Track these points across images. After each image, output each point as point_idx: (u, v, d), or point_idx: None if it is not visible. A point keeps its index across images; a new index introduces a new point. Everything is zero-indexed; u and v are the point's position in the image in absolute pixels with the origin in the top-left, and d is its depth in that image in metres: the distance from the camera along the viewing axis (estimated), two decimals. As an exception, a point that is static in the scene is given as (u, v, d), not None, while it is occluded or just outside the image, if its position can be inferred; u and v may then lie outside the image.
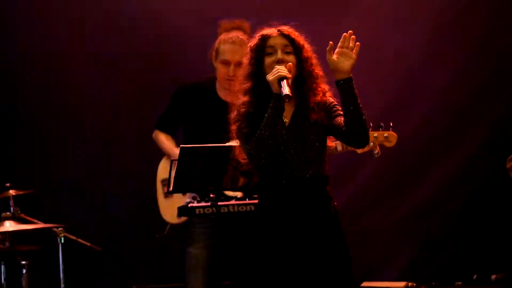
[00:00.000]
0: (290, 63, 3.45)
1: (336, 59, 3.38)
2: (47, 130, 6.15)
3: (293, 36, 3.52)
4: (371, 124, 4.43)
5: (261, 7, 5.98)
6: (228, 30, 4.89)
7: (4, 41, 6.14)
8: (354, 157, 5.62)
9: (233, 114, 3.58)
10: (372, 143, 4.47)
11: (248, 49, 3.60)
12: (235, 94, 4.18)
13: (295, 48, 3.51)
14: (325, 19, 5.88)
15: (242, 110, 3.53)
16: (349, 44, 3.40)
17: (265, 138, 3.39)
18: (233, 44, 4.82)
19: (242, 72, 3.63)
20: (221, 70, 4.85)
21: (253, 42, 3.57)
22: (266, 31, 3.55)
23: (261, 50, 3.52)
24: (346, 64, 3.39)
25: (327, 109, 3.52)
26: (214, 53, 4.90)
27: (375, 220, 6.01)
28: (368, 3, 6.04)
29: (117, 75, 6.15)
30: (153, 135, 5.05)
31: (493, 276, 5.58)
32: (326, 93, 3.56)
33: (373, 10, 6.02)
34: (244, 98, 3.55)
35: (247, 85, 3.57)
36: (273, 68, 3.43)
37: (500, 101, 5.92)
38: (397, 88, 6.00)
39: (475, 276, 5.69)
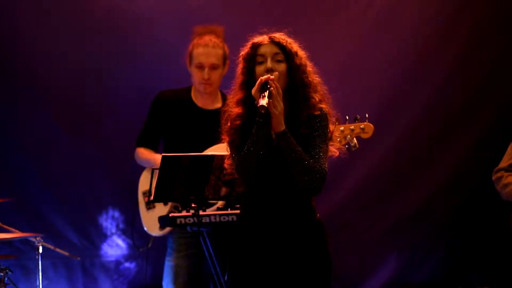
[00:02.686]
0: (276, 73, 3.37)
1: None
2: (26, 138, 6.04)
3: (284, 43, 3.42)
4: (347, 117, 4.42)
5: (247, 12, 5.97)
6: (201, 34, 4.88)
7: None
8: (338, 166, 5.60)
9: (226, 126, 3.49)
10: (348, 136, 4.46)
11: (240, 58, 3.51)
12: (211, 97, 4.13)
13: (286, 56, 3.42)
14: (315, 22, 5.87)
15: (235, 122, 3.45)
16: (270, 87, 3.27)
17: (252, 156, 3.33)
18: (206, 47, 4.83)
19: (235, 82, 3.54)
20: (196, 75, 4.86)
21: (245, 50, 3.49)
22: (257, 39, 3.47)
23: (252, 59, 3.45)
24: (274, 119, 3.28)
25: (310, 130, 3.41)
26: (188, 58, 4.91)
27: (359, 231, 5.97)
28: (354, 9, 6.01)
29: (103, 83, 6.07)
30: (135, 154, 5.00)
31: (478, 289, 5.57)
32: (319, 105, 3.46)
33: (364, 11, 6.00)
34: (236, 110, 3.46)
35: (239, 95, 3.48)
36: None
37: (489, 108, 5.92)
38: (388, 91, 5.97)
39: (459, 289, 5.68)
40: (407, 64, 5.96)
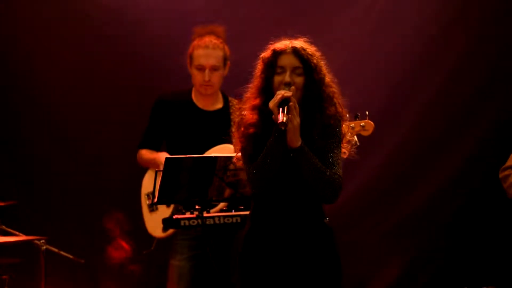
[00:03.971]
0: (293, 87, 3.36)
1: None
2: (30, 140, 6.04)
3: (306, 57, 3.42)
4: (347, 115, 4.40)
5: (248, 13, 5.96)
6: (201, 35, 4.87)
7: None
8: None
9: (240, 131, 3.49)
10: (349, 134, 4.45)
11: (260, 60, 3.51)
12: (212, 99, 4.12)
13: (306, 70, 3.42)
14: (316, 23, 5.85)
15: (248, 130, 3.45)
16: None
17: (266, 169, 3.34)
18: (206, 49, 4.82)
19: (252, 84, 3.53)
20: (196, 76, 4.84)
21: (266, 54, 3.48)
22: (279, 45, 3.46)
23: (271, 67, 3.44)
24: (289, 135, 3.28)
25: (325, 140, 3.42)
26: (188, 60, 4.90)
27: (362, 232, 5.95)
28: (356, 9, 5.99)
29: (103, 84, 6.07)
30: (137, 156, 4.99)
31: (484, 289, 5.54)
32: (335, 116, 3.47)
33: (365, 12, 5.98)
34: (250, 116, 3.47)
35: (256, 101, 3.48)
36: (280, 89, 3.37)
37: (491, 108, 5.88)
38: (389, 91, 5.94)
39: (464, 289, 5.64)
40: (409, 64, 5.93)
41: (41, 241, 5.03)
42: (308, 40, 3.55)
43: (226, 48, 4.90)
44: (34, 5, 6.05)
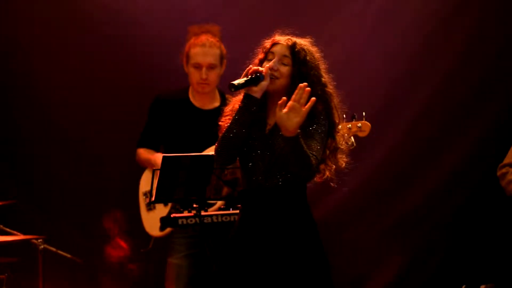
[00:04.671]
0: (267, 66, 3.49)
1: (284, 114, 3.26)
2: (28, 140, 6.04)
3: (297, 49, 3.54)
4: (344, 116, 4.41)
5: (246, 11, 5.95)
6: (197, 34, 4.87)
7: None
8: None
9: (228, 108, 3.61)
10: (346, 134, 4.46)
11: (260, 49, 3.64)
12: (209, 97, 4.13)
13: (294, 61, 3.53)
14: (314, 21, 5.85)
15: (236, 106, 3.55)
16: (301, 97, 3.27)
17: (230, 136, 3.46)
18: (203, 47, 4.82)
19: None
20: (193, 75, 4.84)
21: (264, 44, 3.64)
22: (278, 37, 3.61)
23: (266, 54, 3.58)
24: (293, 122, 3.26)
25: (308, 123, 3.45)
26: (185, 58, 4.89)
27: (361, 231, 5.94)
28: (353, 8, 5.98)
29: (101, 83, 6.06)
30: (136, 155, 4.99)
31: (483, 286, 5.52)
32: (319, 113, 3.52)
33: (363, 10, 5.97)
34: (241, 95, 3.55)
35: None
36: None
37: (490, 107, 5.87)
38: (388, 90, 5.93)
39: (463, 287, 5.62)
40: (407, 63, 5.92)
41: (39, 240, 5.04)
42: (312, 40, 3.67)
43: (222, 46, 4.90)
44: (34, 5, 6.05)
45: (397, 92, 5.93)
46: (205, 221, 4.36)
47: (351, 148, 4.46)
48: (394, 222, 5.94)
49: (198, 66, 4.82)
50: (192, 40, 4.88)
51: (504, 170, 4.61)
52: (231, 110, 3.58)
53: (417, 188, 5.92)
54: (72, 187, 6.02)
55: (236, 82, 3.44)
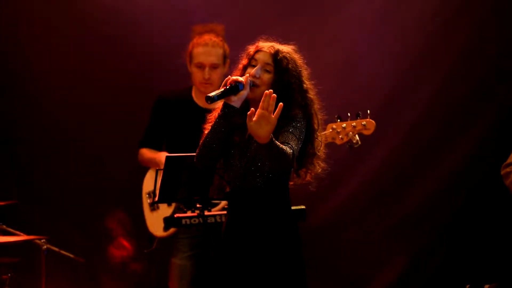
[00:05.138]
0: (247, 75, 3.54)
1: (254, 124, 3.28)
2: (29, 140, 6.04)
3: (279, 58, 3.58)
4: (349, 114, 4.42)
5: (246, 11, 5.95)
6: (201, 33, 4.86)
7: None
8: (342, 165, 5.56)
9: (212, 115, 3.68)
10: (350, 133, 4.45)
11: (244, 54, 3.69)
12: None
13: (277, 69, 3.58)
14: (315, 21, 5.86)
15: (217, 113, 3.62)
16: (269, 104, 3.27)
17: (207, 143, 3.57)
18: (206, 47, 4.82)
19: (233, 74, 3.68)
20: (196, 74, 4.84)
21: (248, 49, 3.68)
22: (262, 44, 3.65)
23: (249, 60, 3.64)
24: (264, 130, 3.28)
25: (285, 124, 3.51)
26: (188, 58, 4.89)
27: (363, 231, 5.93)
28: (356, 7, 5.97)
29: (103, 83, 6.06)
30: (138, 155, 4.99)
31: (487, 286, 5.51)
32: (297, 118, 3.57)
33: (365, 9, 5.96)
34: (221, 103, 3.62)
35: None
36: None
37: (491, 107, 5.85)
38: (389, 89, 5.92)
39: (467, 286, 5.61)
40: (409, 62, 5.91)
41: (42, 241, 5.03)
42: (296, 48, 3.70)
43: (226, 46, 4.89)
44: (34, 5, 6.05)
45: (398, 92, 5.92)
46: (209, 221, 4.35)
47: (356, 146, 4.46)
48: (396, 222, 5.92)
49: (200, 66, 4.81)
50: (195, 40, 4.88)
51: (508, 169, 4.59)
52: (214, 117, 3.63)
53: (418, 188, 5.91)
54: (74, 187, 6.02)
55: (212, 94, 3.49)
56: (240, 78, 3.53)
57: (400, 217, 5.93)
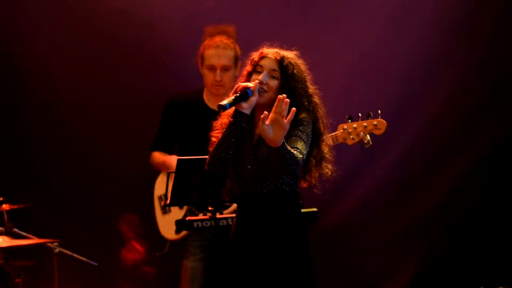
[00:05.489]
0: (256, 81, 3.57)
1: (267, 128, 3.34)
2: (42, 144, 6.05)
3: (285, 63, 3.62)
4: (360, 114, 4.40)
5: (259, 12, 5.94)
6: (212, 35, 4.85)
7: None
8: (356, 166, 5.54)
9: (217, 123, 3.70)
10: (362, 133, 4.43)
11: (248, 62, 3.72)
12: (223, 100, 4.14)
13: (282, 75, 3.61)
14: (329, 21, 5.86)
15: (225, 120, 3.65)
16: (282, 109, 3.33)
17: (219, 150, 3.58)
18: (217, 49, 4.81)
19: (235, 83, 3.69)
20: (207, 76, 4.83)
21: (253, 56, 3.71)
22: (266, 50, 3.68)
23: (254, 66, 3.67)
24: (276, 134, 3.35)
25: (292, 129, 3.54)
26: (199, 60, 4.88)
27: (377, 232, 5.91)
28: (368, 6, 5.95)
29: (116, 84, 6.07)
30: (150, 159, 4.98)
31: (500, 288, 5.49)
32: (302, 123, 3.60)
33: (379, 9, 5.94)
34: (231, 109, 3.63)
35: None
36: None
37: (507, 107, 5.82)
38: (403, 89, 5.90)
39: (481, 288, 5.60)
40: (423, 62, 5.88)
41: (54, 244, 5.03)
42: (298, 53, 3.72)
43: (237, 47, 4.88)
44: (50, 7, 6.07)
45: (410, 93, 5.89)
46: (220, 224, 4.34)
47: (367, 146, 4.44)
48: (409, 223, 5.90)
49: (212, 68, 4.81)
50: (206, 42, 4.87)
51: None
52: (221, 124, 3.66)
53: (431, 189, 5.88)
54: (86, 190, 6.03)
55: (224, 102, 3.50)
56: (250, 84, 3.55)
57: (413, 218, 5.91)
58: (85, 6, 6.07)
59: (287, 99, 3.33)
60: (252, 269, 3.56)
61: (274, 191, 3.58)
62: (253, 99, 3.55)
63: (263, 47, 3.71)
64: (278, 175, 3.56)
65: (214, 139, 3.66)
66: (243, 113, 3.55)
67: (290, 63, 3.63)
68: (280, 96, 3.34)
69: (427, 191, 5.90)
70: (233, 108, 3.58)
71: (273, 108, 3.34)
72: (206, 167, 3.65)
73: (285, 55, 3.65)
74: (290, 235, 3.58)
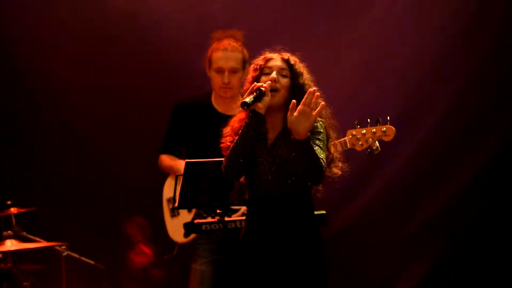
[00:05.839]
0: (268, 82, 3.59)
1: (295, 119, 3.41)
2: (49, 147, 6.06)
3: (292, 62, 3.68)
4: (369, 120, 4.39)
5: (267, 15, 5.94)
6: (220, 39, 4.85)
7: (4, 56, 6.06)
8: (365, 168, 5.53)
9: (227, 129, 3.72)
10: (370, 139, 4.42)
11: (251, 66, 3.76)
12: (232, 102, 4.17)
13: (292, 73, 3.67)
14: (338, 23, 5.85)
15: (236, 125, 3.67)
16: (311, 102, 3.40)
17: (237, 153, 3.56)
18: (225, 51, 4.80)
19: (242, 89, 3.76)
20: (215, 79, 4.82)
21: (255, 62, 3.74)
22: (270, 54, 3.73)
23: (260, 70, 3.70)
24: (304, 126, 3.41)
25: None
26: (207, 64, 4.87)
27: (387, 233, 5.90)
28: (378, 10, 5.94)
29: (123, 86, 6.07)
30: (158, 162, 4.98)
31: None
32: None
33: (387, 11, 5.93)
34: (239, 114, 3.69)
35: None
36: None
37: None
38: (412, 91, 5.89)
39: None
40: (432, 64, 5.87)
41: (62, 247, 5.03)
42: (300, 56, 3.76)
43: (245, 51, 4.87)
44: (55, 8, 6.07)
45: (422, 93, 5.89)
46: (229, 226, 4.32)
47: (376, 153, 4.43)
48: (418, 225, 5.89)
49: (220, 71, 4.79)
50: (214, 45, 4.86)
51: None
52: (232, 130, 3.69)
53: (442, 191, 5.87)
54: (94, 193, 6.03)
55: (247, 100, 3.52)
56: (264, 84, 3.57)
57: (423, 220, 5.90)
58: (91, 8, 6.07)
59: (318, 93, 3.38)
60: (270, 271, 3.57)
61: (292, 194, 3.60)
62: (267, 99, 3.57)
63: (265, 52, 3.75)
64: (297, 177, 3.57)
65: (227, 143, 3.66)
66: (260, 113, 3.56)
67: (296, 62, 3.70)
68: (311, 89, 3.40)
69: (436, 194, 5.89)
70: (243, 111, 3.61)
71: (303, 100, 3.39)
72: (223, 170, 3.63)
73: (290, 55, 3.72)
74: (305, 238, 3.60)
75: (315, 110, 3.39)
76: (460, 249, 5.84)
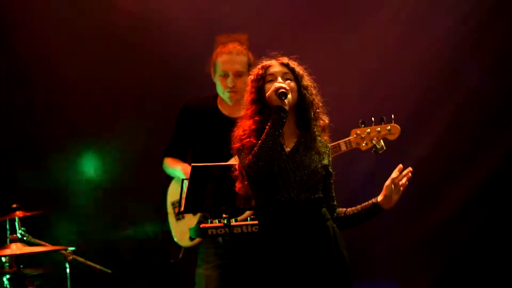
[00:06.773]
0: (287, 81, 3.60)
1: (391, 198, 3.65)
2: (54, 150, 6.05)
3: (292, 65, 3.67)
4: (373, 119, 4.37)
5: (275, 19, 5.94)
6: (224, 43, 4.84)
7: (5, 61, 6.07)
8: (374, 172, 5.51)
9: (238, 133, 3.67)
10: (375, 138, 4.41)
11: (249, 80, 3.72)
12: (237, 106, 4.17)
13: (295, 76, 3.66)
14: (348, 25, 5.86)
15: (252, 126, 3.62)
16: (401, 180, 3.64)
17: (267, 149, 3.49)
18: (230, 55, 4.80)
19: (244, 100, 3.74)
20: (221, 83, 4.83)
21: (254, 72, 3.71)
22: (266, 62, 3.70)
23: (262, 78, 3.66)
24: (395, 198, 3.66)
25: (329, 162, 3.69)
26: (212, 68, 4.86)
27: (398, 236, 5.88)
28: (385, 13, 5.93)
29: (129, 90, 6.08)
30: (163, 165, 4.96)
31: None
32: (326, 129, 3.71)
33: (397, 12, 5.93)
34: (248, 122, 3.65)
35: (250, 110, 3.69)
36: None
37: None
38: (422, 92, 5.88)
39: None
40: (442, 65, 5.87)
41: (68, 251, 5.02)
42: (297, 59, 3.75)
43: (250, 54, 4.86)
44: (62, 12, 6.08)
45: (431, 94, 5.89)
46: (235, 231, 4.31)
47: (380, 152, 4.41)
48: (430, 229, 5.88)
49: (225, 74, 4.79)
50: (219, 49, 4.86)
51: None
52: (250, 127, 3.62)
53: (451, 196, 5.88)
54: (100, 197, 6.01)
55: (284, 95, 3.52)
56: (284, 85, 3.56)
57: (434, 223, 5.89)
58: (99, 13, 6.07)
59: (410, 174, 3.63)
60: (298, 274, 3.53)
61: (314, 199, 3.61)
62: (290, 98, 3.57)
63: (261, 61, 3.72)
64: (318, 181, 3.62)
65: (237, 145, 3.64)
66: (285, 108, 3.53)
67: (295, 65, 3.69)
68: (407, 169, 3.63)
69: (445, 198, 5.88)
70: (245, 116, 3.63)
71: (394, 175, 3.63)
72: (255, 170, 3.52)
73: (287, 59, 3.70)
74: (326, 240, 3.60)
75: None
76: (469, 256, 5.82)
